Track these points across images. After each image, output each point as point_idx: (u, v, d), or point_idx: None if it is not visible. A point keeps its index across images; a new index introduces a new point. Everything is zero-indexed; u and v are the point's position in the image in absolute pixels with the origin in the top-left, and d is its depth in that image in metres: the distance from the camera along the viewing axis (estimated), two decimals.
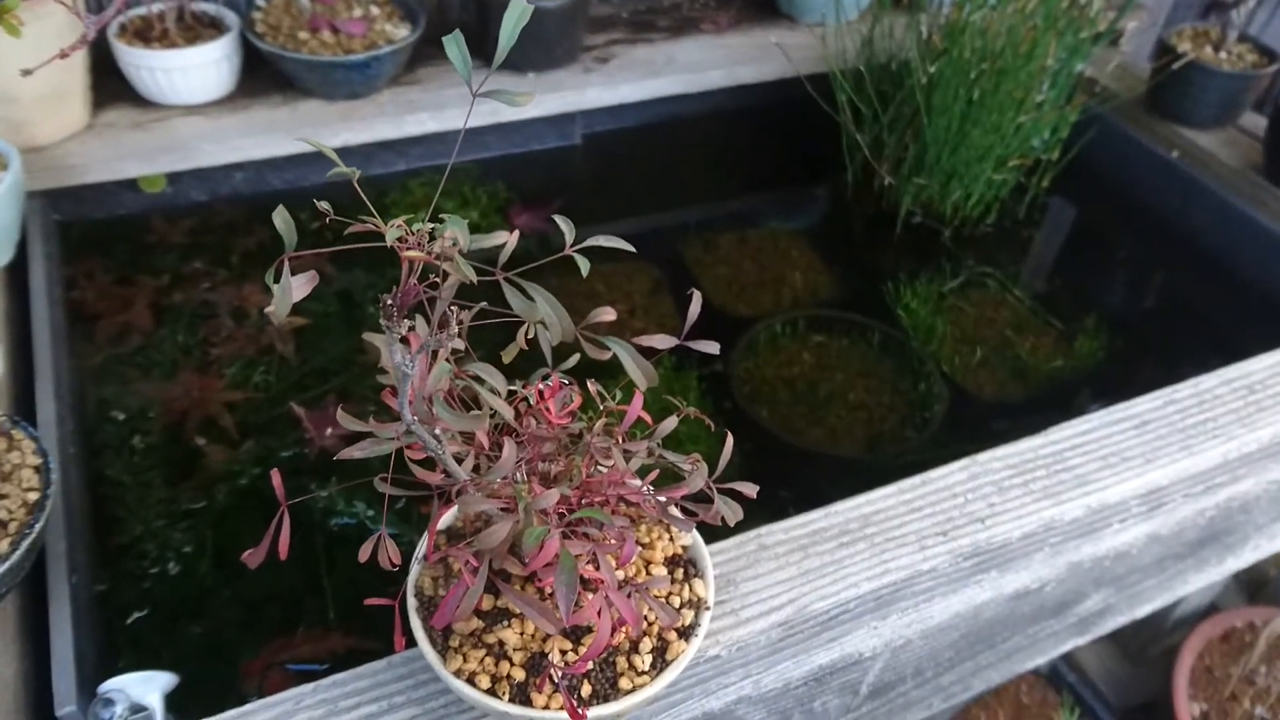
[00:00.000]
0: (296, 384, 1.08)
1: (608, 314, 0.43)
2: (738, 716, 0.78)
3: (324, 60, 1.26)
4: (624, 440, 0.60)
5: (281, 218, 0.36)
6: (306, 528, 0.93)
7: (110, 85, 1.27)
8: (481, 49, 1.37)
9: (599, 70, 1.47)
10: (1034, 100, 1.30)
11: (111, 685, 0.70)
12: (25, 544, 0.66)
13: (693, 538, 0.68)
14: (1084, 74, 1.44)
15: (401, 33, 1.34)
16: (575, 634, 0.61)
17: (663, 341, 0.56)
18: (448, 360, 0.44)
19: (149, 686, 0.71)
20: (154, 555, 0.89)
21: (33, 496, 0.69)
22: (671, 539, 0.68)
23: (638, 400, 0.61)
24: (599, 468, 0.60)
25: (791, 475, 1.09)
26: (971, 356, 1.23)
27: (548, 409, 0.59)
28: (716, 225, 1.42)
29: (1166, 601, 1.13)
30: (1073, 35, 1.27)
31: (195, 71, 1.25)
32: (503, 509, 0.55)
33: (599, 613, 0.55)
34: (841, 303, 1.30)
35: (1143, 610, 1.11)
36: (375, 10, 1.36)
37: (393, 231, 0.38)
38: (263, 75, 1.34)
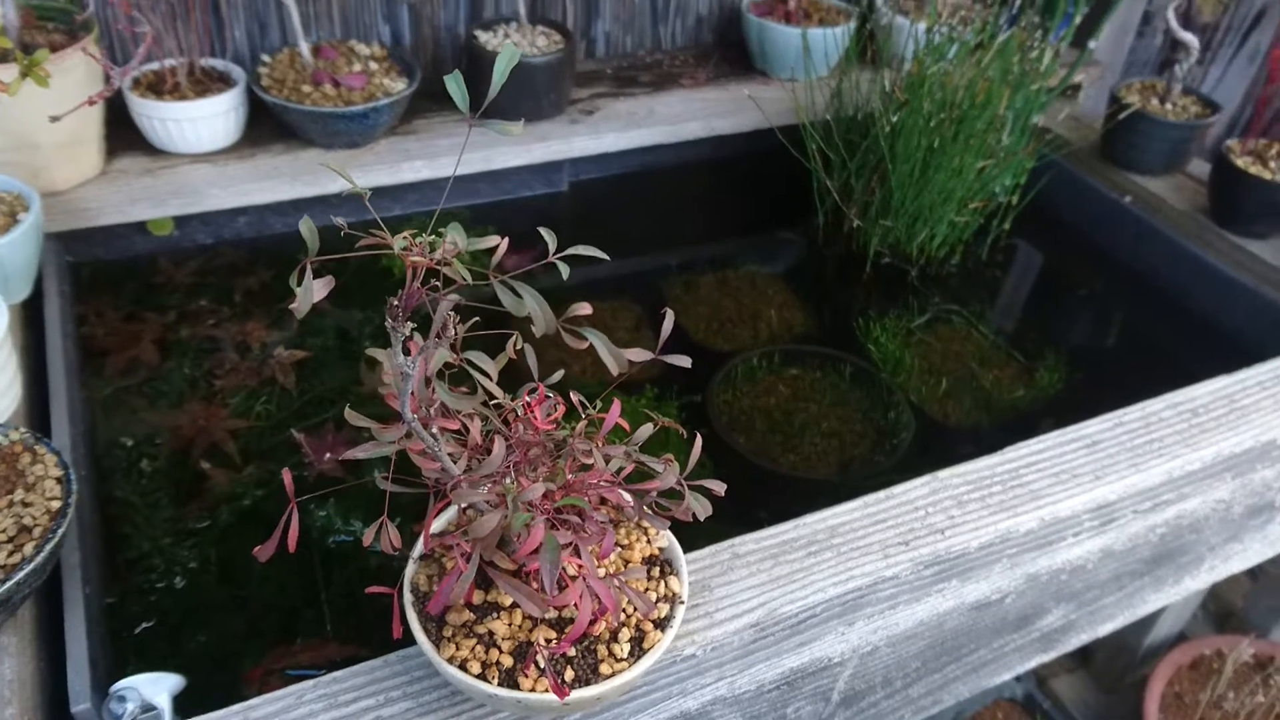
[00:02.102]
0: (296, 413, 1.13)
1: (584, 309, 0.49)
2: (713, 718, 0.83)
3: (326, 111, 1.34)
4: (603, 444, 0.66)
5: (306, 226, 0.42)
6: (305, 544, 0.98)
7: (123, 135, 1.35)
8: (474, 103, 1.46)
9: (585, 121, 1.56)
10: (992, 147, 1.39)
11: (124, 684, 0.74)
12: (48, 547, 0.71)
13: (668, 539, 0.73)
14: (1038, 125, 1.53)
15: (399, 86, 1.42)
16: (559, 625, 0.66)
17: (638, 355, 0.62)
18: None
19: (158, 687, 0.75)
20: (160, 570, 0.94)
21: (55, 505, 0.74)
22: (649, 541, 0.73)
23: (615, 408, 0.67)
24: (581, 469, 0.66)
25: (767, 497, 1.14)
26: (938, 387, 1.29)
27: (534, 416, 0.65)
28: (696, 267, 1.49)
29: (1128, 620, 1.18)
30: (1027, 87, 1.37)
31: (204, 122, 1.33)
32: (491, 503, 0.61)
33: (580, 597, 0.60)
34: (815, 338, 1.37)
35: (1105, 628, 1.16)
36: (374, 65, 1.45)
37: (399, 241, 0.45)
38: (267, 125, 1.42)
